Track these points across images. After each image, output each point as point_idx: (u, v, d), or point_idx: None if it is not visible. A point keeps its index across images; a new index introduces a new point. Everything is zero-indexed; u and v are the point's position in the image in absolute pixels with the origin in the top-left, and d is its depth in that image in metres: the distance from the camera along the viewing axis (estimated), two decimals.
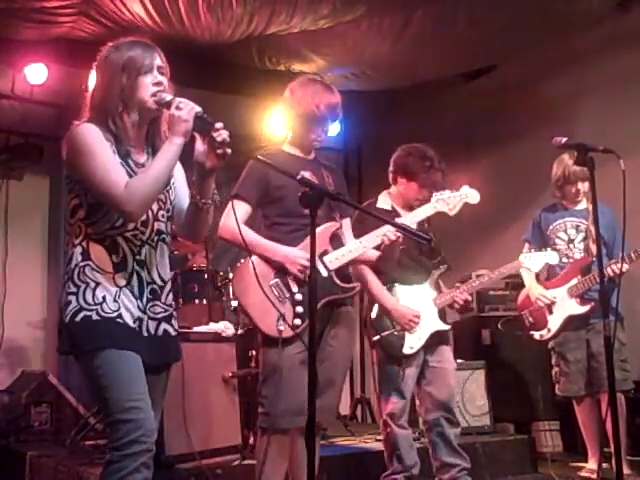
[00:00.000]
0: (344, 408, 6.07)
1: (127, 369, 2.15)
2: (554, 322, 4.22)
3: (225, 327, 4.16)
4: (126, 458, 2.10)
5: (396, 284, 3.69)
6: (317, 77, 3.39)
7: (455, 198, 3.34)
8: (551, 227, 4.33)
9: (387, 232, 3.06)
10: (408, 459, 3.60)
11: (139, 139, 2.34)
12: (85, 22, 4.74)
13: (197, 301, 4.90)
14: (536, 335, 4.31)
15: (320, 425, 3.07)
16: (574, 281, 4.15)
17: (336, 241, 3.10)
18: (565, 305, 4.18)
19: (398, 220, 3.26)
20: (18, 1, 4.43)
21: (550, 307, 4.23)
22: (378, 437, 4.71)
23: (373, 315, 3.71)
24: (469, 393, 4.83)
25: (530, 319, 4.32)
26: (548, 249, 4.04)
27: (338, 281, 3.03)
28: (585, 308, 4.11)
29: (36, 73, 5.20)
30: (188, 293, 4.90)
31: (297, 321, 2.91)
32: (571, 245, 4.26)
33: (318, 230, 2.84)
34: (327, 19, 4.76)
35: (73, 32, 4.83)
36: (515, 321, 4.92)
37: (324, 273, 2.98)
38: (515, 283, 4.93)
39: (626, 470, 4.01)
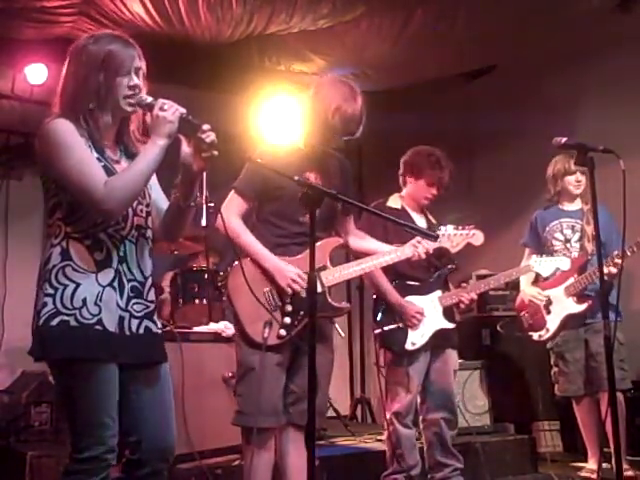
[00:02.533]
0: (344, 408, 6.08)
1: (99, 384, 2.10)
2: (552, 322, 4.22)
3: (225, 327, 4.16)
4: (85, 472, 2.09)
5: (403, 280, 3.70)
6: (348, 81, 3.26)
7: (459, 237, 3.34)
8: (547, 228, 4.34)
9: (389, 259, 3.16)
10: (410, 459, 3.62)
11: (109, 138, 2.29)
12: (85, 22, 4.73)
13: (197, 301, 4.91)
14: (535, 336, 4.31)
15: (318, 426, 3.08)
16: (570, 280, 4.14)
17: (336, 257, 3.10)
18: (562, 304, 4.18)
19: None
20: (18, 1, 4.43)
21: (548, 307, 4.23)
22: (378, 437, 4.72)
23: (381, 310, 3.71)
24: (469, 393, 4.83)
25: (529, 320, 4.32)
26: (561, 257, 4.02)
27: (331, 300, 3.02)
28: (582, 306, 4.11)
29: (36, 73, 5.20)
30: (188, 293, 4.91)
31: (282, 332, 2.91)
32: (568, 245, 4.26)
33: (318, 244, 2.84)
34: (327, 19, 4.75)
35: (73, 32, 4.82)
36: (514, 321, 4.92)
37: (319, 289, 2.94)
38: (515, 283, 4.93)
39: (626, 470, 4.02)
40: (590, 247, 4.13)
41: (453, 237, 3.34)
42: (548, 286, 4.26)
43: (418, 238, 3.23)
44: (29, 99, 5.44)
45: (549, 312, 4.23)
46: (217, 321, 4.32)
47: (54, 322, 2.09)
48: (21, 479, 3.95)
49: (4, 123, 5.61)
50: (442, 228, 3.37)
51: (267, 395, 2.87)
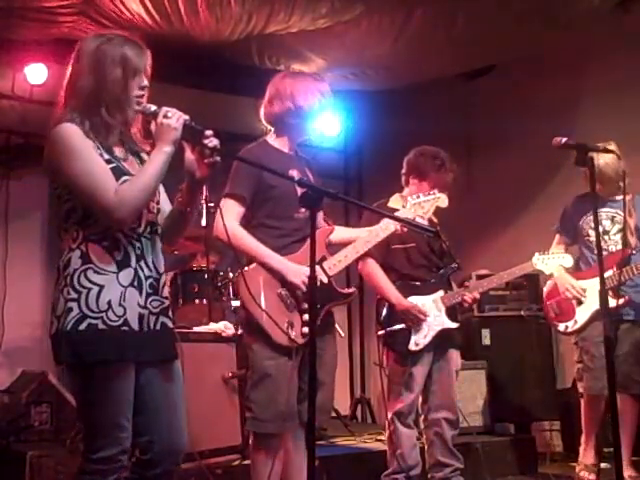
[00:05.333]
0: (344, 408, 6.07)
1: (121, 386, 2.13)
2: (582, 314, 4.05)
3: (225, 327, 4.16)
4: (98, 473, 2.10)
5: (405, 281, 3.70)
6: (302, 70, 3.36)
7: (428, 202, 3.30)
8: (584, 217, 4.15)
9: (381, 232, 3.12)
10: (410, 459, 3.61)
11: (116, 137, 2.30)
12: (85, 22, 4.74)
13: (197, 301, 4.89)
14: (561, 327, 4.16)
15: (320, 426, 3.08)
16: (609, 272, 3.86)
17: (331, 246, 3.09)
18: (596, 297, 3.97)
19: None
20: (18, 0, 4.43)
21: (579, 298, 4.08)
22: (378, 437, 4.73)
23: (384, 311, 3.70)
24: (469, 393, 4.83)
25: (556, 309, 4.17)
26: (563, 252, 3.96)
27: (337, 287, 3.02)
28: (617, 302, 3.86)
29: (36, 73, 5.20)
30: (188, 293, 4.90)
31: (306, 329, 2.88)
32: (606, 237, 4.06)
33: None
34: (326, 19, 4.75)
35: (73, 32, 4.83)
36: (515, 321, 4.91)
37: (324, 280, 2.96)
38: (515, 283, 4.93)
39: (631, 472, 4.00)
40: (634, 241, 3.96)
41: (423, 204, 3.29)
42: (584, 276, 4.09)
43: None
44: (29, 99, 5.44)
45: (580, 303, 4.07)
46: (217, 321, 4.32)
47: (82, 326, 2.10)
48: (21, 479, 3.95)
49: (4, 123, 5.60)
50: (409, 198, 3.32)
51: (287, 400, 2.85)
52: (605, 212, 4.12)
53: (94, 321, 2.11)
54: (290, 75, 3.19)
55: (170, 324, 2.33)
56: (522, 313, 5.02)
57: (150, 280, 2.25)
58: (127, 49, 2.24)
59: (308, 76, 3.16)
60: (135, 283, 2.20)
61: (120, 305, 2.15)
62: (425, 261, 3.75)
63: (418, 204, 3.29)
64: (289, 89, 3.04)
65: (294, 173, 3.00)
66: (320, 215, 3.21)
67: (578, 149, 2.84)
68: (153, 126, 2.23)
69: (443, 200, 3.34)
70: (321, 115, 3.13)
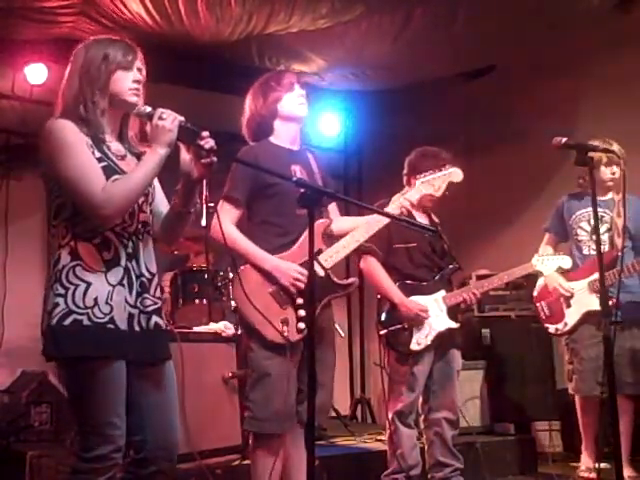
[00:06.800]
0: (344, 408, 6.08)
1: (110, 383, 2.13)
2: (571, 316, 4.07)
3: (225, 327, 4.16)
4: (93, 472, 2.10)
5: (406, 280, 3.69)
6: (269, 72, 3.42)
7: (439, 179, 3.20)
8: (574, 217, 4.17)
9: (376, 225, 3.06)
10: (410, 459, 3.61)
11: (115, 134, 2.32)
12: (85, 22, 4.75)
13: (197, 301, 4.90)
14: (551, 328, 4.18)
15: (320, 426, 3.08)
16: (596, 275, 3.79)
17: (328, 238, 3.06)
18: (584, 300, 4.00)
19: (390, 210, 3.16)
20: (18, 0, 4.44)
21: (568, 300, 4.09)
22: (378, 437, 4.73)
23: (385, 311, 3.69)
24: (469, 393, 4.83)
25: (546, 311, 4.19)
26: (561, 253, 3.95)
27: (336, 279, 3.00)
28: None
29: (36, 73, 5.21)
30: (188, 293, 4.90)
31: (301, 325, 2.88)
32: (594, 237, 3.91)
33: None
34: (326, 19, 4.76)
35: (73, 32, 4.83)
36: (515, 321, 4.90)
37: (321, 273, 2.94)
38: (515, 283, 4.92)
39: (630, 472, 3.99)
40: (620, 242, 3.96)
41: (433, 181, 3.19)
42: (572, 278, 4.10)
43: (401, 199, 3.14)
44: (29, 99, 5.44)
45: (569, 305, 4.08)
46: (217, 321, 4.32)
47: (67, 321, 2.11)
48: (21, 479, 3.95)
49: (4, 123, 5.61)
50: (421, 176, 3.22)
51: (285, 400, 2.85)
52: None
53: (79, 317, 2.11)
54: (251, 89, 3.23)
55: (163, 325, 2.32)
56: (512, 315, 5.02)
57: (141, 279, 2.25)
58: (112, 46, 2.27)
59: (263, 77, 3.20)
60: (124, 282, 2.20)
61: (107, 303, 2.15)
62: (427, 261, 3.75)
63: (427, 182, 3.18)
64: (252, 101, 3.15)
65: (296, 168, 3.00)
66: (333, 206, 3.19)
67: (578, 149, 2.84)
68: (148, 127, 2.23)
69: (457, 174, 3.21)
70: (291, 93, 3.11)
